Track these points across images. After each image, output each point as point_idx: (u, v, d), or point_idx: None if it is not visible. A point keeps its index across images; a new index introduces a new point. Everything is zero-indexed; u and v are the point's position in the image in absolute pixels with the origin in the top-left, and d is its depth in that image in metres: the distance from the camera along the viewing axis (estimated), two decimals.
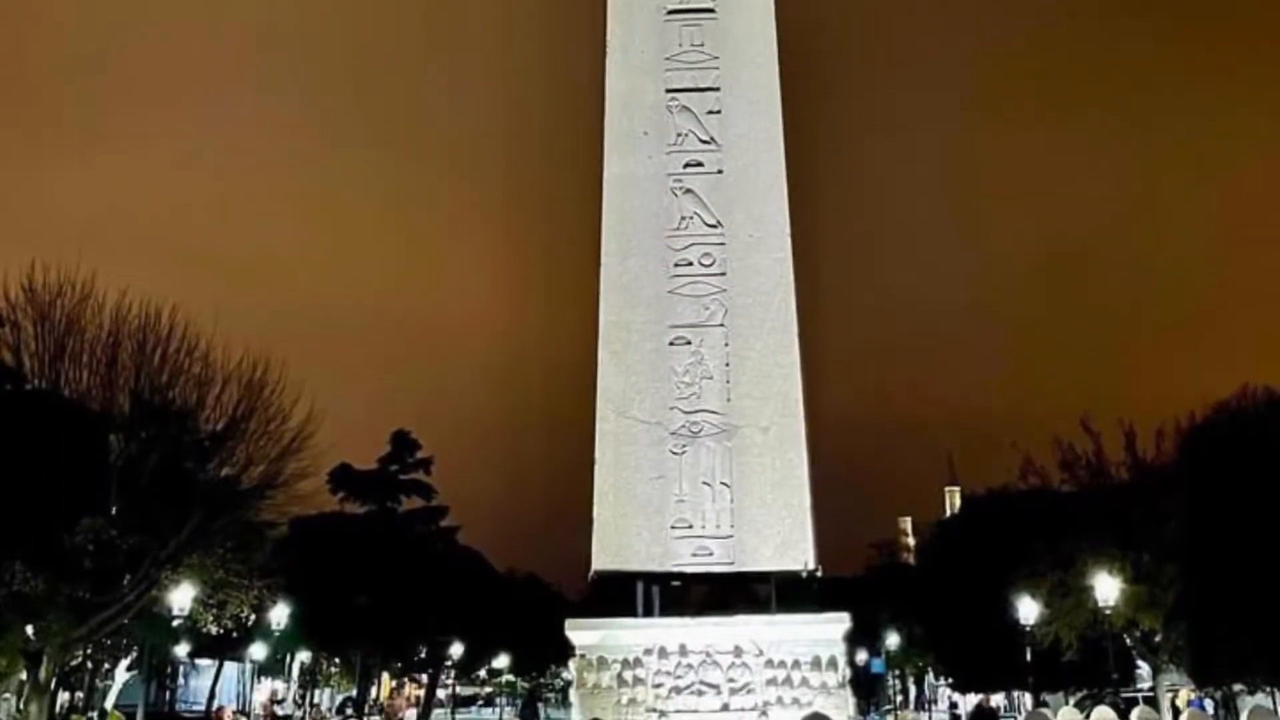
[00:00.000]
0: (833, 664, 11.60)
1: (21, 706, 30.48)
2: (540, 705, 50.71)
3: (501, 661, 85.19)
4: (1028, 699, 49.54)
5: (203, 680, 54.43)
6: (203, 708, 52.64)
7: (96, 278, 32.90)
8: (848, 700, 11.86)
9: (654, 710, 11.66)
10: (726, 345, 12.01)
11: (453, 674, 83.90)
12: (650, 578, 11.91)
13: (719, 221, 12.29)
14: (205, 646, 44.69)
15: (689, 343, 12.02)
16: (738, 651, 11.57)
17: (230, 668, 56.77)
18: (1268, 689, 37.76)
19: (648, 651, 11.59)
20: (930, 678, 73.42)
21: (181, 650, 41.84)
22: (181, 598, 31.62)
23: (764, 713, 11.66)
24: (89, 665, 39.20)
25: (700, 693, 11.55)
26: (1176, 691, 46.83)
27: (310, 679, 64.93)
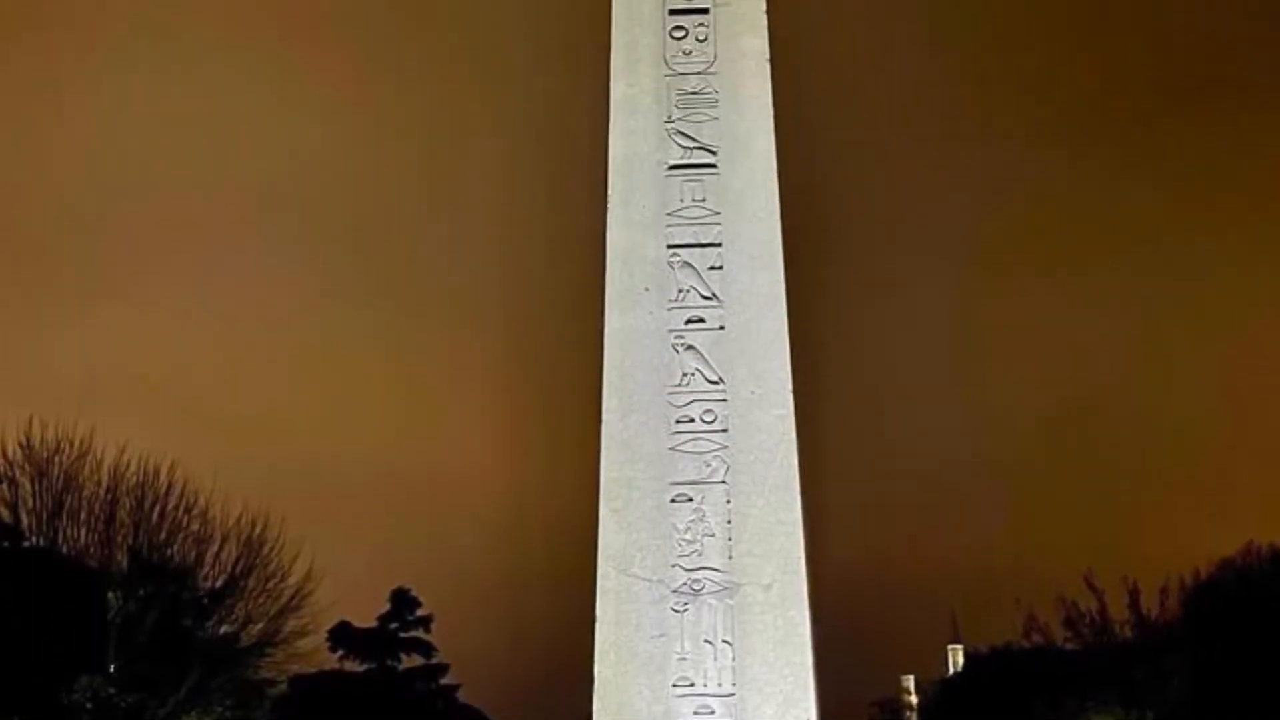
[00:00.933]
0: None
1: None
2: None
3: None
4: None
5: None
6: None
7: (95, 434, 33.15)
8: None
9: None
10: (728, 502, 11.93)
11: None
12: None
13: (721, 378, 12.25)
14: None
15: (690, 499, 11.94)
16: None
17: None
18: None
19: None
20: None
21: None
22: None
23: None
24: None
25: None
26: None
27: None
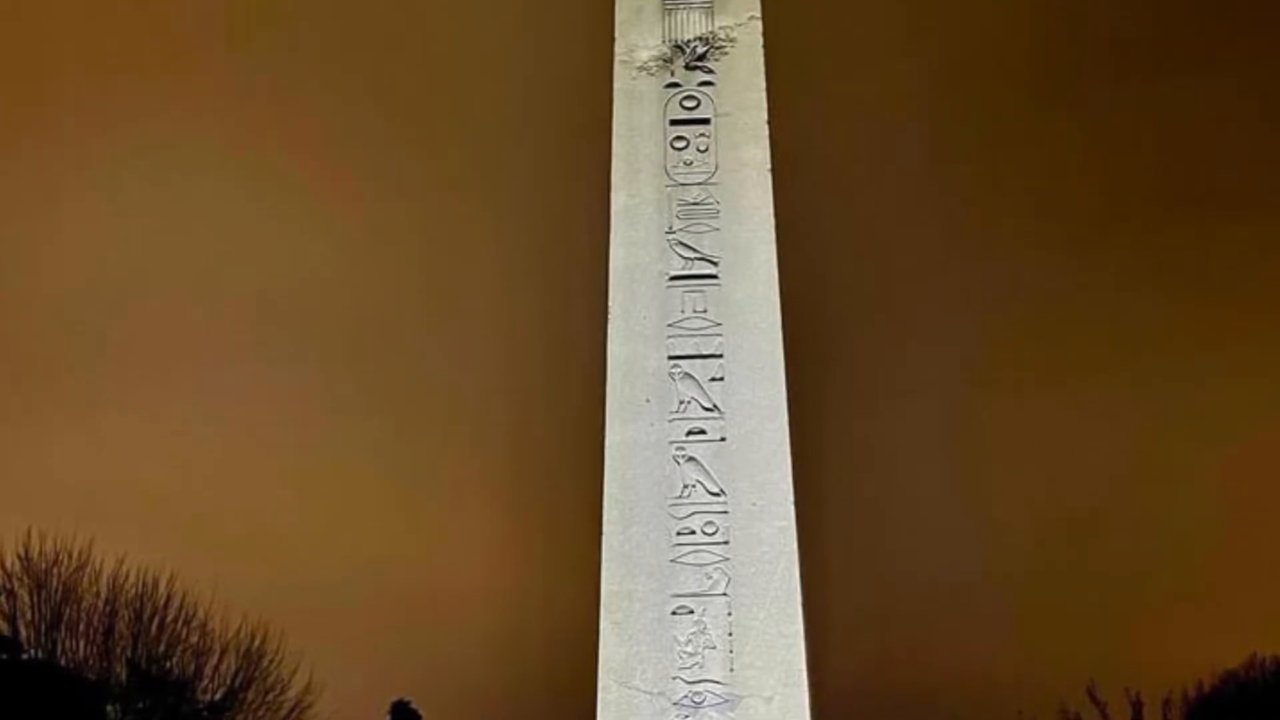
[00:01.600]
0: None
1: None
2: None
3: None
4: None
5: None
6: None
7: (94, 545, 33.08)
8: None
9: None
10: (729, 615, 11.86)
11: None
12: None
13: (722, 490, 12.22)
14: None
15: (692, 612, 11.88)
16: None
17: None
18: None
19: None
20: None
21: None
22: None
23: None
24: None
25: None
26: None
27: None
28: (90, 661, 31.70)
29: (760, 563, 12.05)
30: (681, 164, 13.35)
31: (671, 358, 12.73)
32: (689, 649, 11.82)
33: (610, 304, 13.13)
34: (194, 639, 33.18)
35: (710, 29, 13.66)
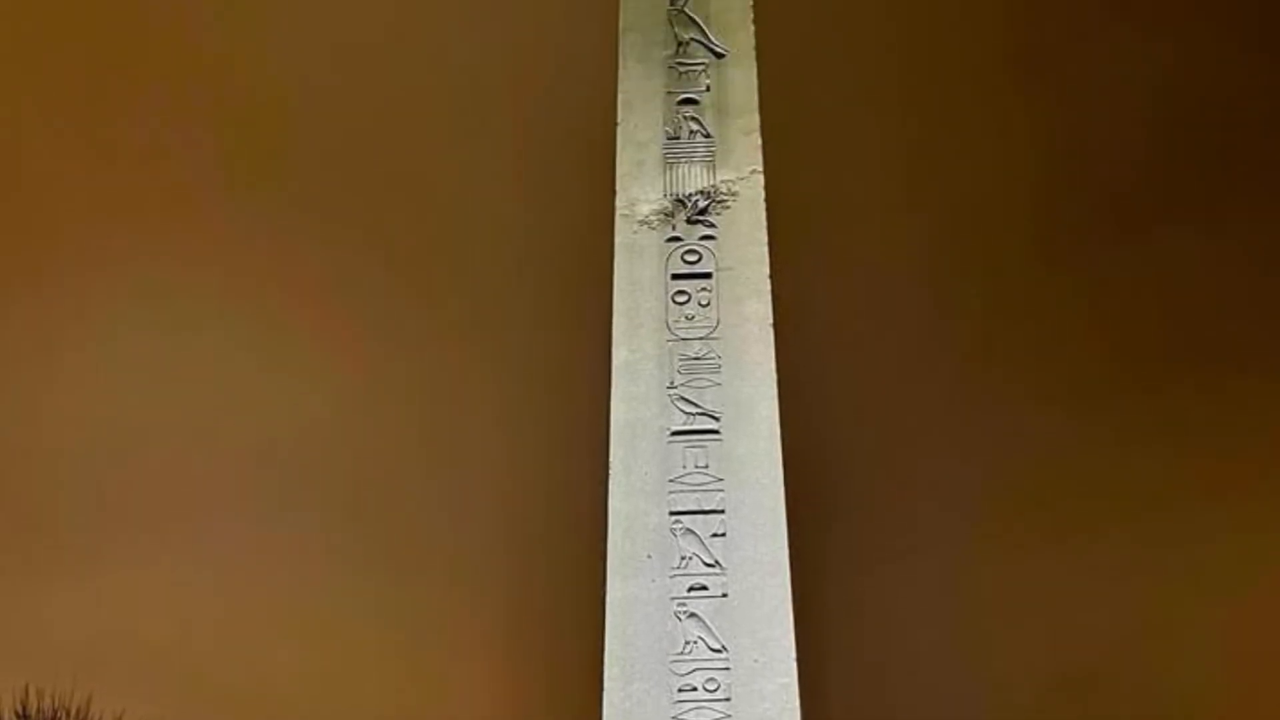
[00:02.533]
0: None
1: None
2: None
3: None
4: None
5: None
6: None
7: (92, 702, 32.76)
8: None
9: None
10: None
11: None
12: None
13: (724, 646, 12.17)
14: None
15: None
16: None
17: None
18: None
19: None
20: None
21: None
22: None
23: None
24: None
25: None
26: None
27: None
28: None
29: (762, 719, 12.01)
30: (683, 318, 13.41)
31: (673, 513, 12.72)
32: None
33: (611, 459, 13.14)
34: None
35: (712, 183, 13.77)
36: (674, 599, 12.39)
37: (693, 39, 14.29)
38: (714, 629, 12.25)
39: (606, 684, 12.26)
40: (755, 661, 12.18)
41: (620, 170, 14.00)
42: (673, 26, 14.30)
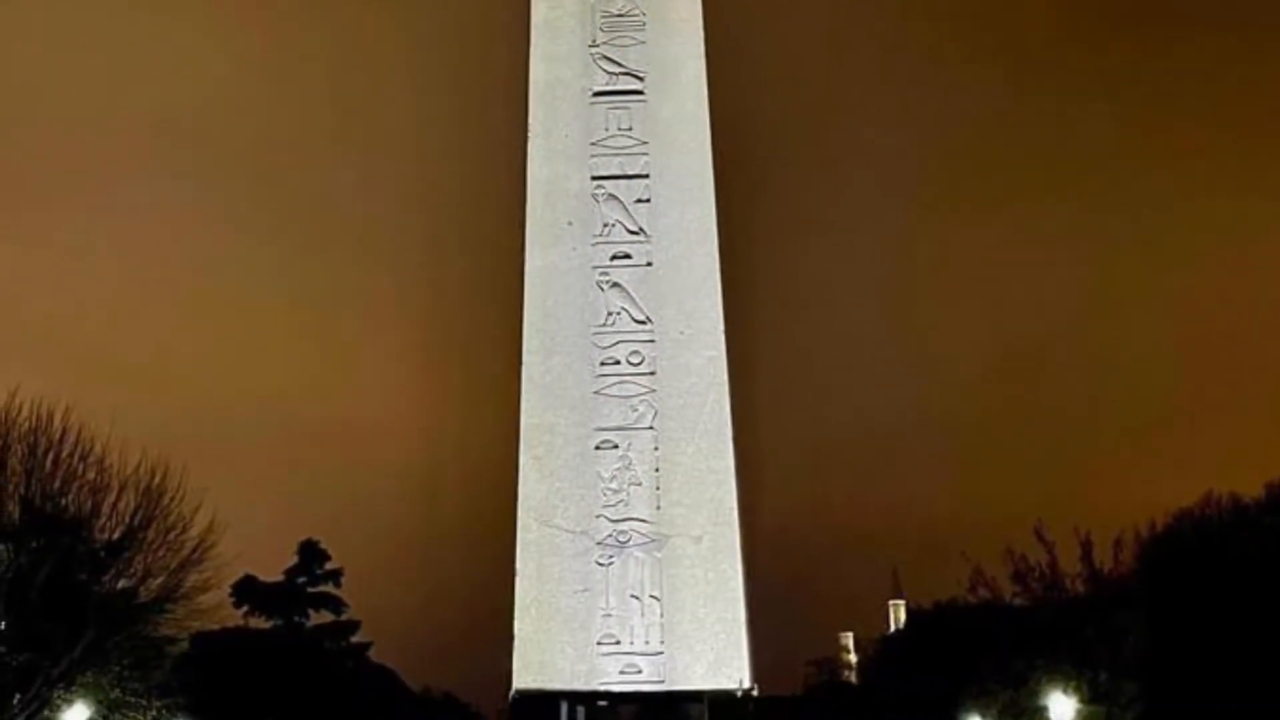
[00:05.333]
0: None
1: None
2: None
3: None
4: None
5: None
6: None
7: None
8: None
9: None
10: (656, 449, 11.89)
11: None
12: (575, 697, 11.74)
13: (648, 317, 12.20)
14: None
15: (616, 447, 11.89)
16: None
17: None
18: None
19: None
20: None
21: None
22: (75, 718, 31.35)
23: None
24: None
25: None
26: None
27: None
28: None
29: (689, 394, 12.07)
30: None
31: (595, 178, 12.68)
32: (613, 485, 11.85)
33: (530, 121, 13.05)
34: (90, 475, 32.95)
35: None
36: (596, 268, 12.39)
37: None
38: (638, 299, 12.27)
39: (525, 357, 12.31)
40: (681, 334, 12.23)
41: None
42: None
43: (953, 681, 41.02)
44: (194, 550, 33.45)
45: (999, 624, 40.39)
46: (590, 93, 12.99)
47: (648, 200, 12.57)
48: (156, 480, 32.73)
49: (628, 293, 12.28)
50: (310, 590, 59.96)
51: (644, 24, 13.12)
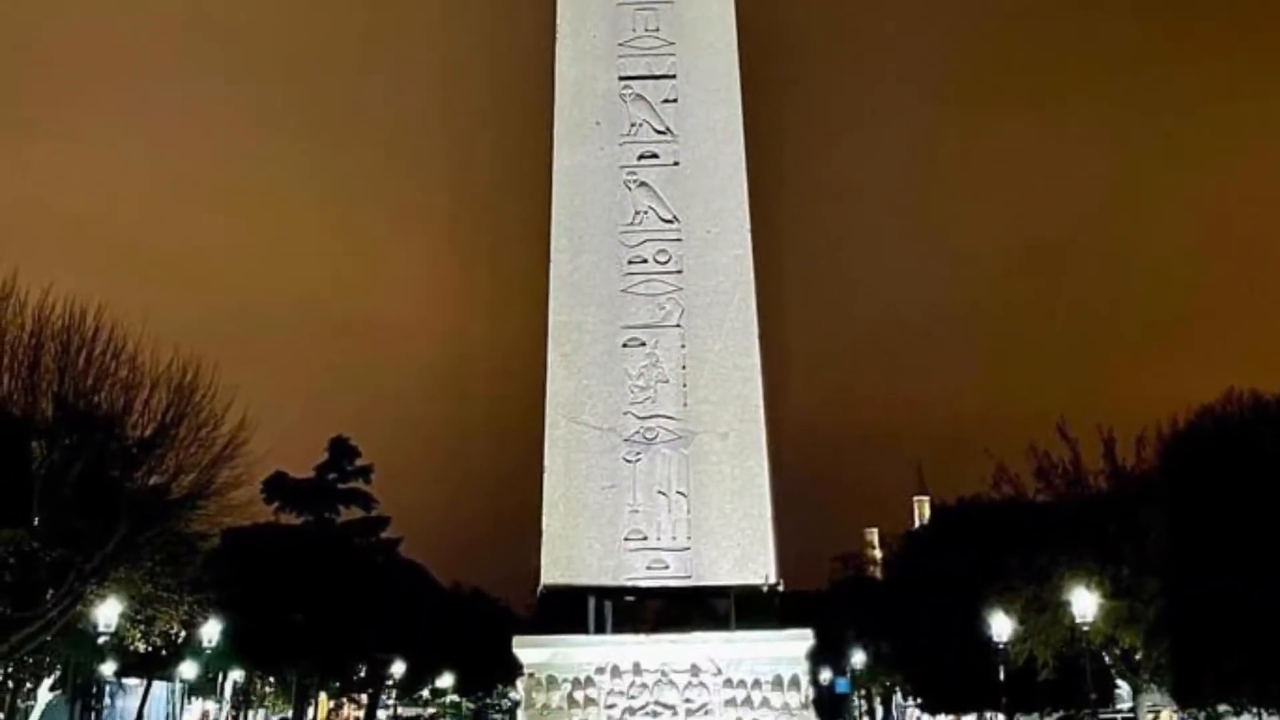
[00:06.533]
0: (795, 683, 11.43)
1: None
2: None
3: (445, 681, 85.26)
4: None
5: (130, 701, 54.11)
6: None
7: (18, 275, 32.87)
8: None
9: None
10: (683, 347, 11.91)
11: (394, 694, 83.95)
12: (602, 592, 11.79)
13: (675, 216, 12.21)
14: (133, 665, 44.47)
15: (643, 344, 11.91)
16: (695, 670, 11.43)
17: (159, 687, 56.48)
18: (1254, 709, 37.97)
19: (600, 670, 11.45)
20: (898, 698, 73.53)
21: (108, 669, 41.41)
22: (108, 613, 31.67)
23: None
24: (9, 685, 38.93)
25: (655, 714, 11.40)
26: (1158, 712, 47.12)
27: (244, 699, 64.86)
28: (14, 397, 31.61)
29: (715, 293, 12.09)
30: None
31: (622, 78, 12.68)
32: (641, 383, 11.89)
33: (558, 22, 13.03)
34: (123, 373, 33.06)
35: None
36: (623, 167, 12.40)
37: None
38: (665, 198, 12.28)
39: (553, 256, 12.33)
40: (708, 232, 12.25)
41: None
42: None
43: (976, 577, 41.13)
44: (225, 447, 33.67)
45: (1022, 520, 40.49)
46: None
47: (674, 100, 12.57)
48: (188, 377, 32.93)
49: (655, 192, 12.29)
50: (340, 486, 60.38)
51: None
